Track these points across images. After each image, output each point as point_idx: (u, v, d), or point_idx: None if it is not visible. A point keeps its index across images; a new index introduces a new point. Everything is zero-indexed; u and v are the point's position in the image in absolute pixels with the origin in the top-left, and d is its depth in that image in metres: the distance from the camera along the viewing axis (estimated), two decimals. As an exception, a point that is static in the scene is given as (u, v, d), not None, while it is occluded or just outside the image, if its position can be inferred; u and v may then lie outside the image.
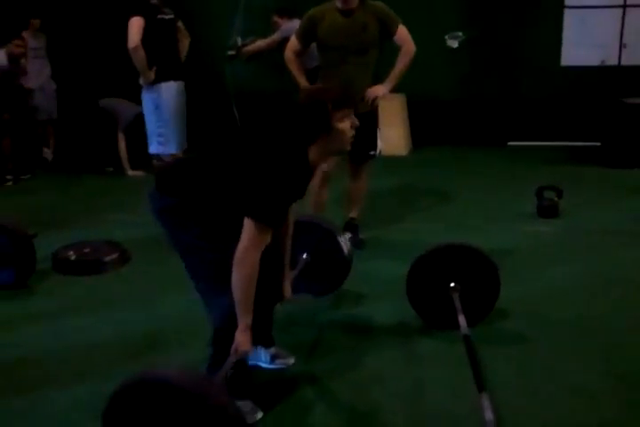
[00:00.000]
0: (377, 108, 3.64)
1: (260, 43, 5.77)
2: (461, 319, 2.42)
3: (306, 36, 3.55)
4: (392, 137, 6.18)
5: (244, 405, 2.05)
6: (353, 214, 3.86)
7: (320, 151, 2.02)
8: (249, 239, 1.88)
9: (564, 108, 6.42)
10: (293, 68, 3.64)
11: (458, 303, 2.55)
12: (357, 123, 2.07)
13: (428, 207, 4.64)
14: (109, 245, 3.74)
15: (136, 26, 4.00)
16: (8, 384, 2.44)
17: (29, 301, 3.23)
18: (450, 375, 2.36)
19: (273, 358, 2.44)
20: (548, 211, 4.21)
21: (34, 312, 3.09)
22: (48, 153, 6.68)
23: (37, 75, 6.28)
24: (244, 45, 5.89)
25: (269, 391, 2.30)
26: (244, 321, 1.93)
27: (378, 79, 3.57)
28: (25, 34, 6.02)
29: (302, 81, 3.61)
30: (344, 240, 2.92)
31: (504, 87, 6.58)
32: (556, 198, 4.23)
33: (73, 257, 3.59)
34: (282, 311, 2.54)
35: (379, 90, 3.51)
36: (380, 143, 3.74)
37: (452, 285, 2.63)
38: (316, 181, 3.58)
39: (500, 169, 5.78)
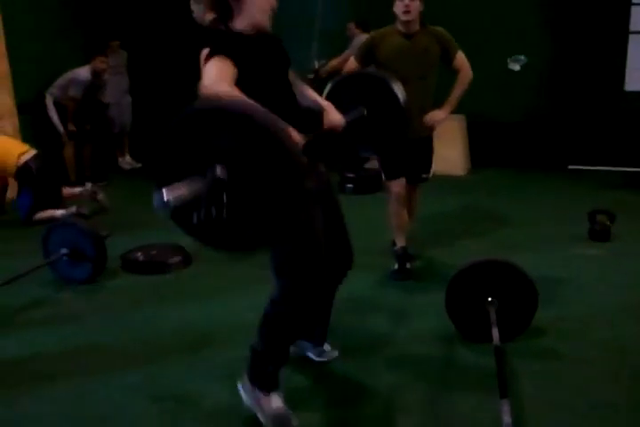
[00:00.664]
0: (432, 133, 3.71)
1: (334, 62, 6.05)
2: (495, 332, 2.54)
3: (365, 57, 3.58)
4: (450, 157, 6.30)
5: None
6: (406, 243, 3.78)
7: (242, 26, 1.97)
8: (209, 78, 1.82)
9: (627, 134, 6.37)
10: None
11: (493, 317, 2.66)
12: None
13: (479, 226, 4.73)
14: (174, 248, 4.02)
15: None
16: (74, 369, 2.73)
17: (98, 295, 3.55)
18: (478, 384, 2.48)
19: (320, 352, 2.66)
20: (599, 235, 4.23)
21: (101, 306, 3.40)
22: (124, 162, 7.15)
23: (114, 90, 6.73)
24: (321, 67, 6.19)
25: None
26: None
27: (435, 102, 3.62)
28: (108, 51, 6.49)
29: None
30: (398, 88, 2.81)
31: (566, 110, 6.58)
32: (608, 223, 4.25)
33: (140, 258, 3.90)
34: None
35: (438, 115, 3.54)
36: (433, 166, 3.77)
37: (490, 299, 2.75)
38: (392, 204, 3.67)
39: (557, 192, 5.79)
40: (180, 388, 2.54)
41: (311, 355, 2.68)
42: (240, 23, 2.00)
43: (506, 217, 4.94)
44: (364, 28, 6.04)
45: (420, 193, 3.91)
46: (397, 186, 3.64)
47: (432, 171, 3.80)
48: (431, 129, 3.63)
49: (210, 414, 2.34)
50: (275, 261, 2.12)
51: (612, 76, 6.34)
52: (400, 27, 3.48)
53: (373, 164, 6.28)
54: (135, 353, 2.85)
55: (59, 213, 4.82)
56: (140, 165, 7.15)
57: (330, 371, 2.63)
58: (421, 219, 4.09)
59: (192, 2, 4.25)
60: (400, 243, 3.76)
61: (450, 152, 6.31)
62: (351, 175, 5.71)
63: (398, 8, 3.41)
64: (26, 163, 4.78)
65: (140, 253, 3.93)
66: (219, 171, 1.58)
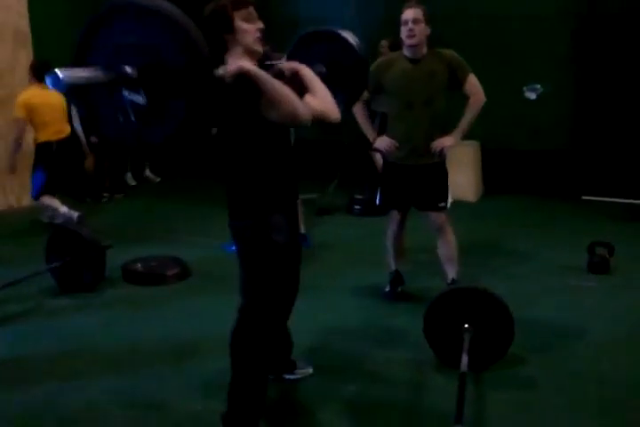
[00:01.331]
0: (445, 160, 3.52)
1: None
2: (464, 358, 2.56)
3: (372, 84, 3.44)
4: (462, 183, 6.30)
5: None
6: (451, 275, 3.59)
7: (236, 57, 2.12)
8: None
9: (643, 166, 6.32)
10: (360, 117, 3.62)
11: (466, 344, 2.68)
12: (262, 25, 2.17)
13: (481, 253, 4.72)
14: (173, 261, 4.13)
15: None
16: (58, 371, 2.84)
17: (95, 303, 3.66)
18: (441, 409, 2.48)
19: (293, 370, 2.71)
20: (597, 267, 4.20)
21: (96, 313, 3.51)
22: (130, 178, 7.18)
23: None
24: None
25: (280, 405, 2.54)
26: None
27: (446, 128, 3.50)
28: None
29: (369, 132, 3.62)
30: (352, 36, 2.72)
31: (581, 140, 6.56)
32: (607, 255, 4.22)
33: (140, 269, 4.01)
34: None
35: (446, 141, 3.39)
36: (450, 194, 3.56)
37: (466, 326, 2.77)
38: (390, 228, 3.67)
39: (564, 222, 5.75)
40: (157, 396, 2.63)
41: (286, 375, 2.72)
42: (235, 54, 2.15)
43: (509, 245, 4.93)
44: (393, 49, 6.07)
45: (444, 222, 3.56)
46: (395, 215, 3.64)
47: (450, 200, 3.55)
48: (440, 156, 3.45)
49: (178, 423, 2.40)
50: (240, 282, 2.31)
51: (632, 106, 6.32)
52: (406, 51, 3.42)
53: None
54: (120, 360, 2.95)
55: (63, 209, 4.97)
56: (159, 179, 7.29)
57: (298, 389, 2.67)
58: (424, 243, 4.10)
59: None
60: (394, 266, 3.77)
61: (461, 178, 6.31)
62: (360, 197, 5.76)
63: (403, 33, 3.34)
64: (49, 140, 4.96)
65: (139, 265, 4.04)
66: (128, 69, 1.70)
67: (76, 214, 4.98)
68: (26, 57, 5.79)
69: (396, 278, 3.76)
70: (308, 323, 3.36)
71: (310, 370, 2.76)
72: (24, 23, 5.83)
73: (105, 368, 2.87)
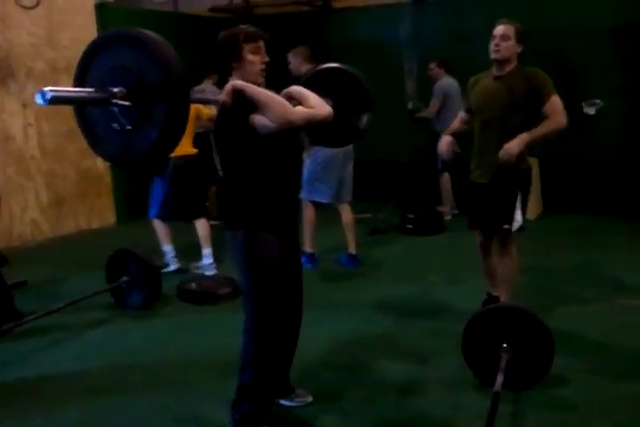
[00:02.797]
0: (515, 177, 3.34)
1: (428, 111, 6.17)
2: (499, 378, 2.57)
3: (465, 101, 3.60)
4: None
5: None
6: (496, 293, 3.60)
7: (245, 74, 2.34)
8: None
9: None
10: (454, 122, 3.68)
11: (503, 363, 2.69)
12: (267, 59, 2.40)
13: (533, 271, 4.66)
14: (226, 280, 4.28)
15: None
16: (112, 385, 3.02)
17: (150, 321, 3.86)
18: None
19: (292, 397, 2.76)
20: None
21: (150, 330, 3.70)
22: None
23: None
24: (414, 109, 6.36)
25: None
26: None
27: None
28: (205, 82, 6.35)
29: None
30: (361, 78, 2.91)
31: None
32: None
33: (194, 288, 4.19)
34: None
35: (512, 148, 3.16)
36: (519, 217, 3.38)
37: (504, 346, 2.77)
38: (478, 248, 3.65)
39: (626, 240, 5.59)
40: (204, 411, 2.74)
41: (282, 401, 2.76)
42: (237, 79, 2.35)
43: (563, 263, 4.83)
44: (447, 69, 6.12)
45: (512, 248, 3.45)
46: (478, 236, 3.62)
47: (517, 222, 3.39)
48: (508, 166, 3.24)
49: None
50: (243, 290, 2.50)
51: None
52: (493, 68, 3.37)
53: (443, 208, 6.37)
54: (170, 375, 3.11)
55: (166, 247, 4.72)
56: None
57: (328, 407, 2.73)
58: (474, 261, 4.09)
59: (291, 54, 4.61)
60: (489, 288, 3.73)
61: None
62: (411, 216, 5.79)
63: (490, 48, 3.32)
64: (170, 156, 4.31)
65: (193, 284, 4.22)
66: (117, 89, 1.93)
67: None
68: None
69: (487, 301, 3.67)
70: (345, 338, 3.45)
71: (310, 399, 2.78)
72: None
73: (155, 383, 3.02)
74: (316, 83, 2.82)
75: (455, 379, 2.95)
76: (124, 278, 3.99)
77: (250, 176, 2.38)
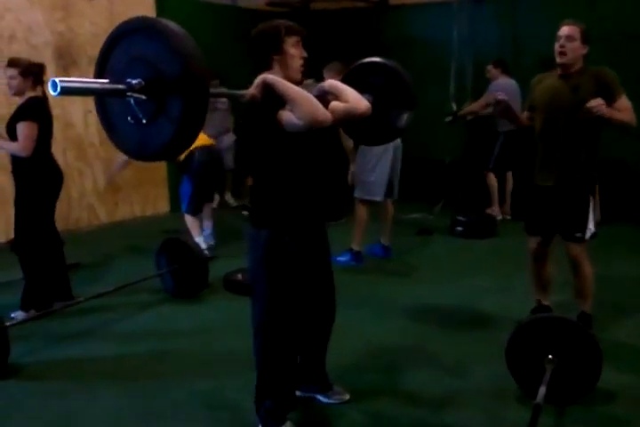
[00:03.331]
0: (585, 180, 3.24)
1: (472, 107, 6.13)
2: (542, 390, 2.49)
3: (527, 101, 3.48)
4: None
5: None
6: (583, 307, 3.42)
7: (276, 76, 2.23)
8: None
9: None
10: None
11: (547, 375, 2.60)
12: (305, 54, 2.30)
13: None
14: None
15: None
16: (154, 371, 3.08)
17: (195, 309, 3.91)
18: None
19: (330, 393, 2.73)
20: None
21: (195, 319, 3.76)
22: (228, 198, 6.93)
23: (214, 126, 6.37)
24: (459, 110, 6.32)
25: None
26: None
27: (591, 148, 3.19)
28: None
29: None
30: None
31: None
32: None
33: (239, 279, 4.23)
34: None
35: (601, 104, 3.00)
36: (591, 225, 3.26)
37: (550, 357, 2.69)
38: (529, 261, 3.51)
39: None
40: (239, 398, 2.75)
41: (319, 397, 2.75)
42: (274, 74, 2.27)
43: (621, 273, 4.66)
44: (504, 69, 6.04)
45: (579, 254, 3.31)
46: (532, 242, 3.45)
47: (591, 230, 3.27)
48: (588, 113, 3.05)
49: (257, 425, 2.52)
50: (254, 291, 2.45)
51: None
52: (558, 69, 3.26)
53: (492, 210, 6.26)
54: (209, 364, 3.15)
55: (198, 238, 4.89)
56: (237, 203, 6.89)
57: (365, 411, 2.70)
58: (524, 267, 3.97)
59: (325, 70, 4.59)
60: (537, 296, 3.57)
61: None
62: (462, 218, 5.69)
63: (555, 49, 3.21)
64: (192, 151, 4.59)
65: (239, 275, 4.26)
66: (135, 81, 1.86)
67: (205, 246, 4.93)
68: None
69: (537, 310, 3.52)
70: (384, 339, 3.41)
71: (347, 397, 2.75)
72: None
73: (194, 370, 3.07)
74: (356, 78, 2.76)
75: (496, 389, 2.87)
76: (173, 266, 4.06)
77: (276, 175, 2.32)
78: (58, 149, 5.44)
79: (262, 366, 2.45)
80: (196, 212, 4.94)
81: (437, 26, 6.80)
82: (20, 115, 3.54)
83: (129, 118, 1.94)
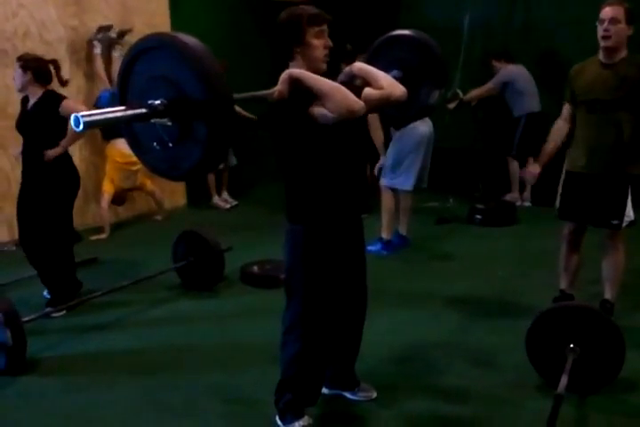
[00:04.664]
0: (628, 175, 3.18)
1: (477, 91, 6.04)
2: (564, 379, 2.43)
3: (567, 93, 3.29)
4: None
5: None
6: (607, 295, 3.38)
7: (299, 67, 2.17)
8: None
9: None
10: (553, 138, 3.37)
11: (569, 364, 2.55)
12: (330, 44, 2.20)
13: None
14: (288, 265, 4.28)
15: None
16: (168, 365, 3.08)
17: (211, 302, 3.90)
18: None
19: (357, 390, 2.69)
20: None
21: (210, 311, 3.75)
22: (220, 200, 6.56)
23: None
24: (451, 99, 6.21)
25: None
26: None
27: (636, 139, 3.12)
28: None
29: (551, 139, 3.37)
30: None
31: None
32: None
33: (256, 271, 4.21)
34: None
35: None
36: (631, 212, 3.22)
37: (571, 346, 2.63)
38: (562, 246, 3.46)
39: None
40: (253, 393, 2.75)
41: (346, 394, 2.71)
42: (298, 65, 2.22)
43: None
44: (508, 59, 5.98)
45: (621, 244, 3.31)
46: (566, 227, 3.40)
47: (628, 217, 3.22)
48: (624, 163, 3.11)
49: (271, 419, 2.50)
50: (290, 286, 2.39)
51: None
52: (600, 55, 3.16)
53: (512, 196, 6.17)
54: (225, 357, 3.13)
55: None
56: (236, 202, 6.61)
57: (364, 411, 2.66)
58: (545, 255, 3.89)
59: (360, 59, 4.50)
60: (561, 285, 3.53)
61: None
62: (481, 206, 5.61)
63: (598, 33, 3.07)
64: None
65: (255, 267, 4.24)
66: (157, 102, 1.80)
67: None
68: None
69: (559, 299, 3.44)
70: (406, 330, 3.37)
71: (374, 394, 2.70)
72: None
73: (210, 364, 3.05)
74: (384, 52, 2.67)
75: (518, 378, 2.82)
76: (190, 259, 4.05)
77: (310, 169, 2.26)
78: (74, 145, 5.50)
79: (293, 360, 2.39)
80: None
81: (455, 12, 6.67)
82: (47, 105, 3.57)
83: (154, 144, 1.90)
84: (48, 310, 3.60)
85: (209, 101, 1.75)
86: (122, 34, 5.56)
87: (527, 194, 6.17)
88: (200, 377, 2.91)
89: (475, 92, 6.02)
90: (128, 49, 1.96)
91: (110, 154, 5.42)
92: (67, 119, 3.55)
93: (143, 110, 1.81)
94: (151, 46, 1.87)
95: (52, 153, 3.59)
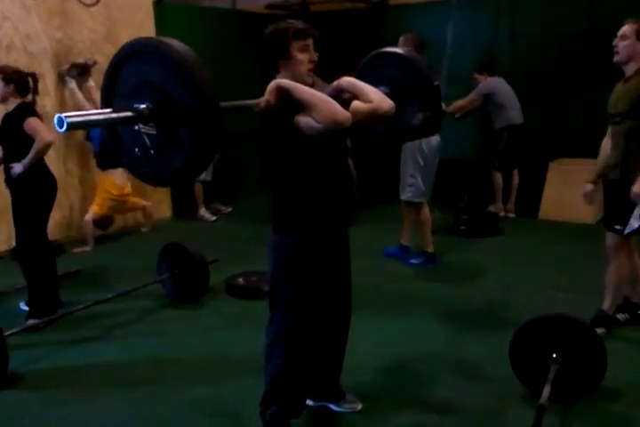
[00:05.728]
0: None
1: (459, 102, 6.10)
2: (546, 389, 2.45)
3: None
4: (580, 203, 5.98)
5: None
6: (604, 305, 3.41)
7: (291, 73, 2.20)
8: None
9: None
10: (600, 154, 3.40)
11: (552, 374, 2.57)
12: (316, 58, 2.22)
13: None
14: (273, 276, 4.28)
15: None
16: (153, 378, 3.06)
17: (196, 314, 3.89)
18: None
19: (342, 402, 2.69)
20: None
21: (196, 324, 3.74)
22: (205, 213, 6.49)
23: None
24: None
25: None
26: None
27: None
28: None
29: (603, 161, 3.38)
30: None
31: None
32: None
33: (241, 283, 4.20)
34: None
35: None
36: (635, 222, 3.14)
37: (554, 356, 2.65)
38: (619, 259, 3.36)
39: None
40: (239, 406, 2.74)
41: (331, 406, 2.71)
42: (284, 78, 2.21)
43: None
44: (490, 72, 6.07)
45: (616, 247, 3.30)
46: (607, 236, 3.35)
47: (632, 226, 3.14)
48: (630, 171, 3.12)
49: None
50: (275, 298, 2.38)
51: None
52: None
53: (496, 207, 6.22)
54: (209, 370, 3.12)
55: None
56: (230, 209, 6.76)
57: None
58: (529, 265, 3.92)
59: (401, 40, 4.51)
60: (604, 304, 3.41)
61: (579, 198, 5.99)
62: (465, 217, 5.64)
63: None
64: None
65: (240, 279, 4.24)
66: (142, 106, 1.79)
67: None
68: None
69: (598, 318, 3.36)
70: (391, 340, 3.38)
71: (359, 406, 2.70)
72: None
73: (194, 377, 3.04)
74: (374, 68, 2.68)
75: (504, 389, 2.83)
76: (174, 271, 4.04)
77: (297, 181, 2.26)
78: (59, 157, 5.50)
79: (277, 373, 2.38)
80: None
81: (437, 25, 6.76)
82: (16, 118, 3.55)
83: (136, 150, 1.89)
84: (30, 322, 3.57)
85: (195, 107, 1.74)
86: (87, 67, 5.45)
87: (512, 205, 6.23)
88: (185, 390, 2.89)
89: (457, 103, 6.08)
90: (116, 51, 1.95)
91: (104, 184, 5.42)
92: (29, 136, 3.55)
93: (129, 113, 1.79)
94: (138, 50, 1.87)
95: (15, 170, 3.57)
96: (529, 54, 6.34)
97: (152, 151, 1.86)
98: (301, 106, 2.10)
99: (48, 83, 5.40)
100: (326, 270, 2.39)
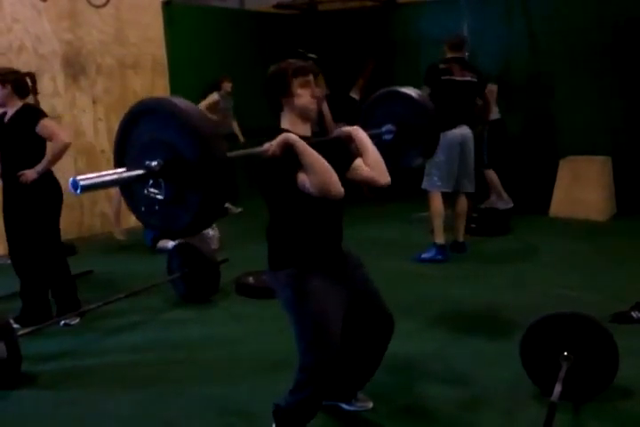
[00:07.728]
0: None
1: None
2: (557, 387, 2.44)
3: None
4: (590, 200, 5.99)
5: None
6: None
7: (290, 117, 2.27)
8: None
9: None
10: None
11: (563, 372, 2.56)
12: (318, 94, 2.28)
13: (600, 276, 4.43)
14: (283, 275, 4.28)
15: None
16: (162, 376, 3.08)
17: (207, 313, 3.91)
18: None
19: (353, 401, 2.68)
20: None
21: (206, 322, 3.75)
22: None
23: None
24: None
25: None
26: None
27: None
28: (217, 95, 6.47)
29: None
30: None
31: None
32: None
33: (251, 282, 4.21)
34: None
35: None
36: None
37: (565, 354, 2.64)
38: None
39: None
40: (249, 405, 2.75)
41: (342, 405, 2.69)
42: (289, 114, 2.29)
43: (633, 267, 4.57)
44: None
45: None
46: None
47: None
48: None
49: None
50: (294, 332, 2.35)
51: None
52: None
53: (490, 202, 6.23)
54: (220, 369, 3.13)
55: (171, 244, 5.02)
56: (240, 209, 6.85)
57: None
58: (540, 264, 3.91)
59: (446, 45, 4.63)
60: None
61: (590, 195, 6.00)
62: (475, 215, 5.62)
63: None
64: None
65: (251, 278, 4.25)
66: (154, 163, 1.83)
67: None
68: (162, 85, 6.32)
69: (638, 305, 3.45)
70: (402, 339, 3.33)
71: (370, 404, 2.69)
72: (162, 54, 6.36)
73: (205, 376, 3.05)
74: (384, 104, 2.73)
75: (513, 386, 2.83)
76: (184, 270, 4.06)
77: (292, 217, 2.31)
78: (69, 157, 5.52)
79: (302, 403, 2.34)
80: None
81: (446, 23, 6.75)
82: (23, 122, 3.47)
83: (141, 207, 1.94)
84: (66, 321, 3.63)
85: (203, 163, 1.78)
86: None
87: (505, 194, 6.24)
88: (196, 389, 2.90)
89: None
90: (124, 113, 1.99)
91: None
92: (43, 139, 3.51)
93: (140, 171, 1.85)
94: (145, 110, 1.92)
95: (26, 177, 3.47)
96: (540, 51, 6.31)
97: (157, 208, 1.90)
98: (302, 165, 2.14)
99: (58, 84, 5.45)
100: (332, 294, 2.33)
